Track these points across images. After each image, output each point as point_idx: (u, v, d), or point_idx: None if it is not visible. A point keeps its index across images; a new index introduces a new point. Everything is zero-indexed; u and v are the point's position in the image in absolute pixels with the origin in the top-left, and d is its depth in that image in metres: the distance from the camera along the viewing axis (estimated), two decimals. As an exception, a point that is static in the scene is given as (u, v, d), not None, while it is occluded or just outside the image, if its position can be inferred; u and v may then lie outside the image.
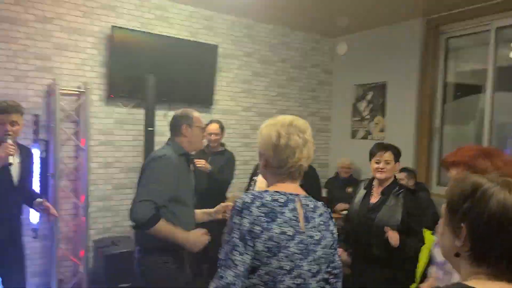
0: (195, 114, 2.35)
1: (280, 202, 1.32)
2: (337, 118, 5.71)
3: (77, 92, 3.90)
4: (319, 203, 1.44)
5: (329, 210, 1.48)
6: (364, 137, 5.32)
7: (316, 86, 5.64)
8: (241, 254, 1.25)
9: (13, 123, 2.48)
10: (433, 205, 3.89)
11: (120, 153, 4.18)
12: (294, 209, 1.34)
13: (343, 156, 5.20)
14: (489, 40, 4.19)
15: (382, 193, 2.50)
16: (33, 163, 2.80)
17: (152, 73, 3.96)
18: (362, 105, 5.37)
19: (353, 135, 5.48)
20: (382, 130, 5.10)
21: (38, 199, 2.63)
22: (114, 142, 4.15)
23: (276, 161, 1.37)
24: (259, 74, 5.11)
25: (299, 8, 4.47)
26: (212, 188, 3.63)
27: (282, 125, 1.38)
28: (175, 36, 4.40)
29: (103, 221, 4.10)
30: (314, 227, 1.37)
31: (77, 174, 3.96)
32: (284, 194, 1.35)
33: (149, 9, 4.30)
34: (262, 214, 1.28)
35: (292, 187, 1.39)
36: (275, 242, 1.28)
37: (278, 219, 1.29)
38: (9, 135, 2.45)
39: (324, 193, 5.11)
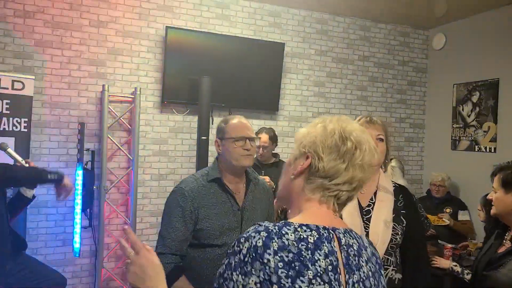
0: (232, 121, 1.73)
1: (310, 241, 0.82)
2: (433, 125, 4.75)
3: (129, 99, 3.65)
4: (365, 240, 0.94)
5: (377, 252, 0.96)
6: (469, 148, 4.29)
7: (405, 87, 4.76)
8: None
9: None
10: None
11: (174, 164, 3.82)
12: (332, 253, 0.83)
13: (442, 170, 4.20)
14: None
15: None
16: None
17: (207, 76, 3.55)
18: (466, 109, 4.36)
19: (454, 145, 4.47)
20: (493, 140, 4.04)
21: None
22: (168, 152, 3.81)
23: (329, 168, 0.88)
24: (334, 75, 4.43)
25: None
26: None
27: (351, 128, 0.92)
28: (235, 35, 3.96)
29: (155, 238, 3.74)
30: (361, 281, 0.85)
31: (128, 187, 3.68)
32: (316, 228, 0.84)
33: (208, 7, 3.93)
34: (281, 264, 0.77)
35: (329, 216, 0.89)
36: None
37: (308, 271, 0.79)
38: None
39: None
